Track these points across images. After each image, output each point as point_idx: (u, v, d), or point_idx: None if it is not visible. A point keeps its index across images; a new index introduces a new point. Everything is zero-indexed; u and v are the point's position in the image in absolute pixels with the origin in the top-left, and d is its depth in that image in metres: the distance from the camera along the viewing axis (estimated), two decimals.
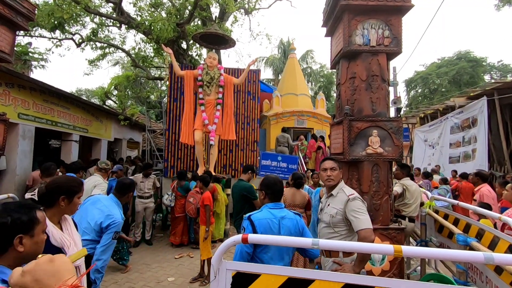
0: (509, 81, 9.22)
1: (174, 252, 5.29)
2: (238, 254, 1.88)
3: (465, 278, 2.63)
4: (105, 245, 2.24)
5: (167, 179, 7.63)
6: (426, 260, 3.85)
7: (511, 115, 9.56)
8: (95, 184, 3.89)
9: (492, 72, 24.66)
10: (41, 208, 1.30)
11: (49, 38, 10.04)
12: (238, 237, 1.57)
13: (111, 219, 2.29)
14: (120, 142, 11.97)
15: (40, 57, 12.85)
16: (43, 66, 14.41)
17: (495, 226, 3.22)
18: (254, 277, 1.54)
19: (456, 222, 3.27)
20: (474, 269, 2.75)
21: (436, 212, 3.79)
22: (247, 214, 1.99)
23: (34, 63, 13.78)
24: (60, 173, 4.82)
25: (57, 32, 9.30)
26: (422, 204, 4.06)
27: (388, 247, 1.33)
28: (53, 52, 11.32)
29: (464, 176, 6.49)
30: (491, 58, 34.85)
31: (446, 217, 3.54)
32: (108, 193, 4.01)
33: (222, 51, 10.41)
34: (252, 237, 1.57)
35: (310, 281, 1.45)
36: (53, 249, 1.51)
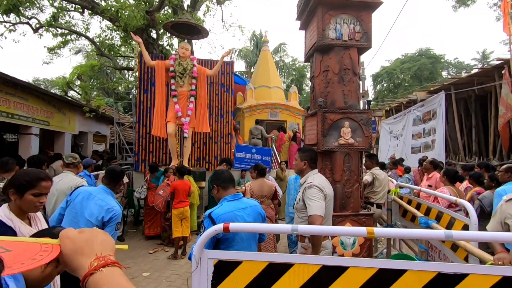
0: (464, 77, 10.02)
1: (149, 247, 5.19)
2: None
3: (425, 257, 2.88)
4: None
5: (138, 173, 7.40)
6: (392, 242, 4.14)
7: (465, 108, 10.43)
8: (74, 185, 3.55)
9: (449, 69, 26.59)
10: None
11: (1, 22, 9.13)
12: (219, 226, 1.59)
13: (112, 212, 2.21)
14: (86, 136, 11.32)
15: None
16: None
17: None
18: (235, 264, 1.58)
19: (418, 207, 3.55)
20: (433, 248, 3.02)
21: (401, 198, 4.08)
22: (207, 212, 1.92)
23: None
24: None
25: (11, 15, 8.48)
26: (389, 191, 4.35)
27: (361, 229, 1.43)
28: (6, 38, 10.31)
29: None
30: (448, 55, 37.46)
31: (409, 202, 3.82)
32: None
33: (194, 42, 10.15)
34: (234, 226, 1.60)
35: (290, 265, 1.52)
36: None
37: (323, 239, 2.31)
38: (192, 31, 6.94)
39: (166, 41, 10.30)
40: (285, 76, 28.53)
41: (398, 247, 4.22)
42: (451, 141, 10.59)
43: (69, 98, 11.69)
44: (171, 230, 4.92)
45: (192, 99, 6.38)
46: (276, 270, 1.54)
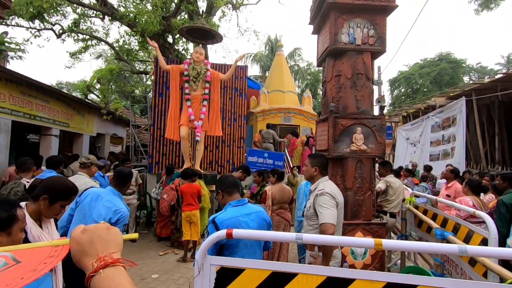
0: (486, 83, 9.61)
1: (159, 249, 5.23)
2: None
3: (441, 271, 2.74)
4: None
5: (152, 175, 7.52)
6: (406, 253, 3.98)
7: (488, 115, 9.99)
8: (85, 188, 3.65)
9: (471, 74, 25.65)
10: (21, 207, 1.25)
11: (27, 28, 9.60)
12: (222, 232, 1.57)
13: (119, 213, 2.25)
14: (103, 137, 11.65)
15: (17, 47, 12.27)
16: (20, 57, 13.77)
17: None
18: (238, 271, 1.55)
19: (434, 217, 3.40)
20: (450, 262, 2.88)
21: (416, 208, 3.93)
22: (212, 217, 1.89)
23: (11, 53, 13.16)
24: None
25: (36, 22, 8.91)
26: (404, 200, 4.20)
27: (369, 241, 1.36)
28: (31, 43, 10.84)
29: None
30: (470, 60, 36.22)
31: (425, 212, 3.67)
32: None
33: (209, 47, 10.30)
34: (237, 232, 1.58)
35: (294, 275, 1.47)
36: None
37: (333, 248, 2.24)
38: (206, 36, 7.03)
39: (181, 46, 10.51)
40: (300, 81, 28.42)
41: (413, 258, 4.05)
42: (472, 149, 10.15)
43: (88, 101, 12.09)
44: (178, 233, 4.95)
45: (205, 102, 6.44)
46: (279, 279, 1.50)
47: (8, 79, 6.34)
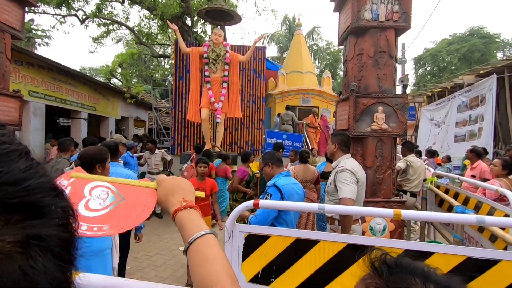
0: None
1: None
2: (262, 214, 2.08)
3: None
4: None
5: (175, 156, 7.82)
6: (426, 232, 4.02)
7: None
8: None
9: (505, 50, 23.87)
10: None
11: (53, 15, 9.93)
12: (249, 202, 1.71)
13: (130, 177, 2.57)
14: (127, 120, 12.12)
15: (43, 34, 12.76)
16: (47, 43, 14.34)
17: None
18: (264, 238, 1.69)
19: (456, 196, 3.39)
20: (470, 239, 2.91)
21: (438, 188, 3.92)
22: (271, 182, 2.26)
23: (38, 40, 13.71)
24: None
25: (62, 8, 9.18)
26: (425, 180, 4.18)
27: (388, 211, 1.45)
28: (57, 29, 11.20)
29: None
30: (504, 35, 33.52)
31: (447, 192, 3.66)
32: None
33: (227, 28, 10.23)
34: (263, 203, 1.71)
35: (316, 241, 1.60)
36: None
37: (353, 222, 2.35)
38: (225, 17, 7.01)
39: (200, 28, 10.51)
40: (319, 61, 27.65)
41: (432, 237, 4.09)
42: (502, 129, 9.68)
43: (112, 85, 12.50)
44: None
45: (225, 85, 6.53)
46: (302, 246, 1.63)
47: (40, 65, 6.70)
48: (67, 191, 0.68)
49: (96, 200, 0.66)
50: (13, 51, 5.83)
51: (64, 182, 0.68)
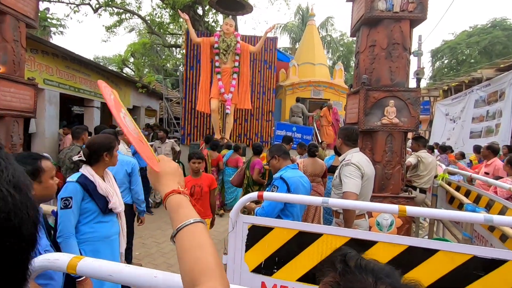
0: None
1: None
2: (268, 206, 2.12)
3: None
4: (137, 183, 2.89)
5: (185, 146, 7.91)
6: (434, 229, 3.96)
7: None
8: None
9: None
10: (47, 157, 1.46)
11: (67, 3, 10.04)
12: (253, 194, 1.72)
13: (130, 163, 2.81)
14: (139, 110, 12.28)
15: (58, 23, 12.93)
16: (61, 32, 14.55)
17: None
18: (268, 230, 1.71)
19: (467, 194, 3.32)
20: (480, 238, 2.85)
21: (449, 184, 3.83)
22: (278, 174, 2.28)
23: (53, 29, 13.91)
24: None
25: None
26: (436, 176, 4.10)
27: (393, 207, 1.43)
28: (71, 18, 11.37)
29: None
30: None
31: (458, 189, 3.58)
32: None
33: (238, 18, 10.12)
34: (267, 195, 1.72)
35: (319, 235, 1.60)
36: (100, 197, 1.73)
37: (359, 217, 2.33)
38: (236, 6, 6.93)
39: (211, 18, 10.44)
40: (332, 52, 27.11)
41: (441, 234, 4.03)
42: None
43: (124, 75, 12.64)
44: None
45: (235, 75, 6.51)
46: (305, 238, 1.64)
47: (54, 53, 6.82)
48: (112, 96, 0.79)
49: (130, 122, 0.76)
50: (29, 39, 5.95)
51: (108, 91, 0.79)
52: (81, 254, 1.59)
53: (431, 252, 1.42)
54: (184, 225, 0.60)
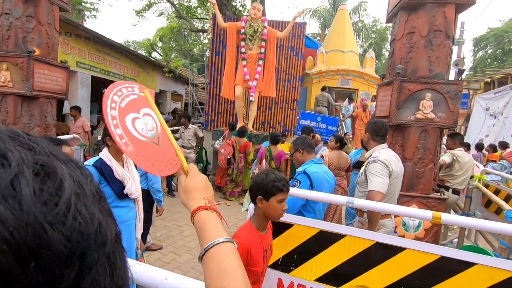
0: None
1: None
2: (289, 201, 2.04)
3: (507, 255, 2.52)
4: None
5: (208, 132, 7.97)
6: (466, 233, 3.71)
7: None
8: None
9: None
10: (67, 143, 1.47)
11: None
12: None
13: None
14: (165, 94, 12.51)
15: (91, 7, 13.31)
16: (94, 16, 14.97)
17: None
18: (287, 226, 1.64)
19: (508, 199, 3.05)
20: None
21: (487, 187, 3.55)
22: (301, 169, 2.19)
23: (87, 13, 14.35)
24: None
25: None
26: (472, 177, 3.81)
27: (426, 212, 1.31)
28: (103, 2, 11.65)
29: None
30: None
31: (497, 192, 3.30)
32: None
33: (266, 2, 9.83)
34: (293, 191, 1.64)
35: (342, 236, 1.51)
36: (116, 182, 1.75)
37: (384, 216, 2.21)
38: None
39: (239, 2, 10.22)
40: (363, 39, 25.81)
41: (473, 239, 3.77)
42: None
43: (152, 59, 12.87)
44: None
45: (261, 62, 6.36)
46: (326, 238, 1.56)
47: (87, 37, 7.03)
48: (130, 98, 0.71)
49: (143, 124, 0.69)
50: (63, 23, 6.15)
51: (135, 90, 0.73)
52: None
53: (466, 265, 1.29)
54: (212, 244, 0.56)
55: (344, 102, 9.70)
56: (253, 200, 1.36)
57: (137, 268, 0.71)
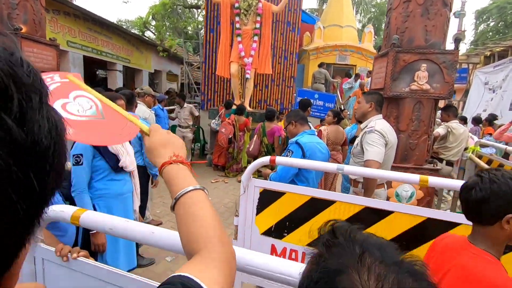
0: None
1: (211, 177, 5.81)
2: (281, 170, 2.11)
3: None
4: None
5: (204, 112, 7.92)
6: (458, 203, 3.81)
7: None
8: (142, 116, 4.06)
9: None
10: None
11: None
12: (265, 158, 1.67)
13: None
14: (160, 74, 12.31)
15: None
16: None
17: None
18: (279, 194, 1.68)
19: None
20: None
21: (480, 158, 3.59)
22: (294, 139, 2.23)
23: None
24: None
25: None
26: (466, 149, 3.85)
27: (413, 176, 1.34)
28: None
29: None
30: None
31: (489, 162, 3.35)
32: (156, 121, 4.43)
33: None
34: (279, 160, 1.67)
35: (332, 202, 1.55)
36: (111, 156, 1.76)
37: (377, 186, 2.25)
38: None
39: None
40: (362, 14, 25.11)
41: None
42: None
43: (146, 38, 12.54)
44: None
45: (256, 38, 6.21)
46: (317, 205, 1.60)
47: (76, 15, 6.80)
48: (53, 86, 0.68)
49: (77, 105, 0.66)
50: (50, 0, 5.94)
51: (56, 78, 0.69)
52: (95, 209, 1.66)
53: (451, 225, 1.34)
54: (182, 193, 0.56)
55: (350, 79, 9.37)
56: (493, 219, 0.86)
57: (127, 224, 0.73)
